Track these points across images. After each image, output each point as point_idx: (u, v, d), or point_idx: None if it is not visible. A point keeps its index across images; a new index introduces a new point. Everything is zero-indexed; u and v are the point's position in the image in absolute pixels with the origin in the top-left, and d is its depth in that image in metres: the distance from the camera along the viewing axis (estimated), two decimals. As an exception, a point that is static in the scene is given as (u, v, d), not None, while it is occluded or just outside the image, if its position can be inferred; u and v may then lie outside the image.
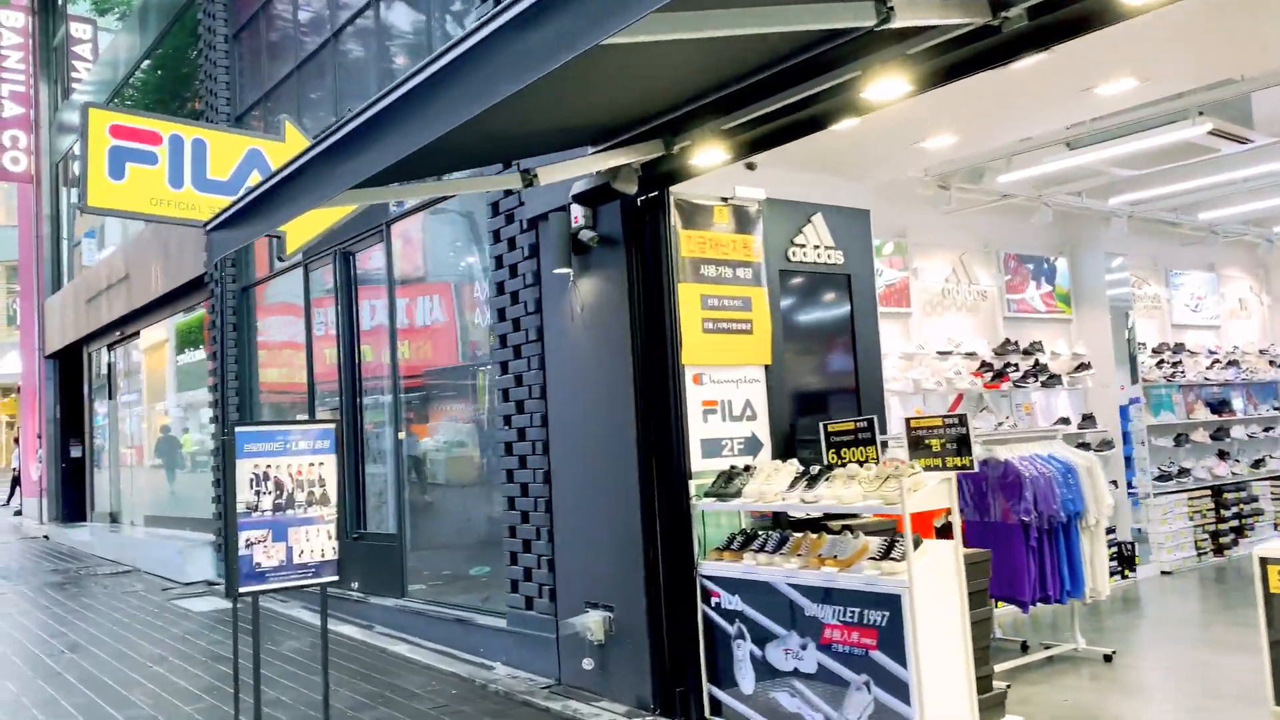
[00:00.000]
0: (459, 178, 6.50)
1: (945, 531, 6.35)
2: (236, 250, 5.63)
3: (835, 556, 4.86)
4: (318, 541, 5.26)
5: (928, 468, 5.47)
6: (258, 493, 5.09)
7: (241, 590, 5.04)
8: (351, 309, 9.43)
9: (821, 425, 6.21)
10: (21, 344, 22.55)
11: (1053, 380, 8.89)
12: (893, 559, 4.59)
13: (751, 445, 5.93)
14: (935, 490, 4.70)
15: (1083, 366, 9.24)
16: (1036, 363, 8.90)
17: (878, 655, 4.57)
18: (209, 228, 4.51)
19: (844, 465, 5.56)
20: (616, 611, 5.87)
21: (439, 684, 6.62)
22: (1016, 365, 8.73)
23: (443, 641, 7.55)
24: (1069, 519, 6.10)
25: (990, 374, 8.48)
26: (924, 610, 4.48)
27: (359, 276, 9.43)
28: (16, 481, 24.89)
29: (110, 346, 17.58)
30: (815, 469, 5.09)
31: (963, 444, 5.62)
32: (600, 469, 6.00)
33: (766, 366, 6.06)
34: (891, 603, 4.53)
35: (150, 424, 16.12)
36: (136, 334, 16.13)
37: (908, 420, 5.92)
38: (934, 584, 4.59)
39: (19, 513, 22.75)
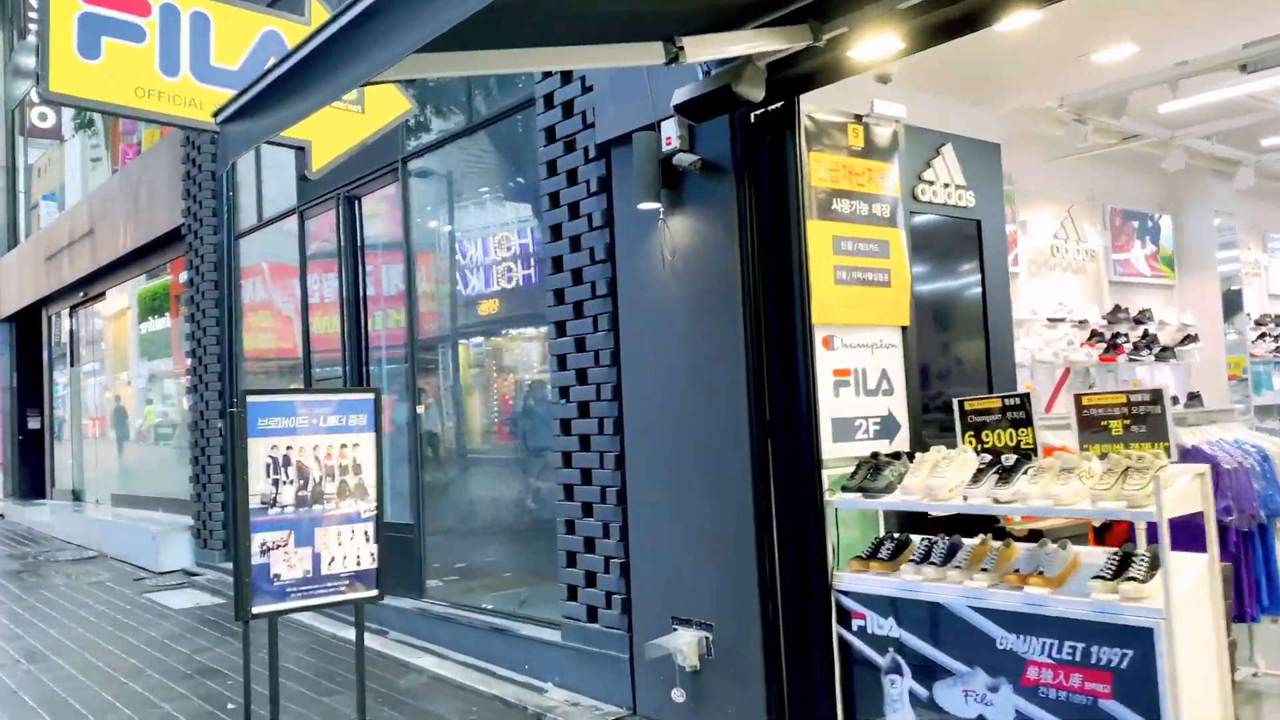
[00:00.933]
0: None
1: (1100, 538, 5.26)
2: (242, 154, 4.36)
3: (1040, 573, 3.72)
4: (352, 545, 4.06)
5: (1103, 456, 4.34)
6: (276, 482, 3.88)
7: (255, 611, 3.83)
8: (357, 262, 8.15)
9: (956, 402, 5.07)
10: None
11: (1165, 353, 7.81)
12: (1133, 579, 3.46)
13: (888, 426, 4.77)
14: (1187, 488, 3.56)
15: (1189, 339, 8.17)
16: (1146, 333, 7.81)
17: (1112, 705, 3.45)
18: (221, 117, 3.25)
19: (1006, 451, 4.42)
20: (717, 631, 4.71)
21: (481, 710, 5.44)
22: (1126, 335, 7.64)
23: (476, 654, 6.37)
24: (1268, 519, 5.01)
25: (1103, 345, 7.38)
26: (1182, 647, 3.36)
27: (366, 224, 8.15)
28: (-30, 454, 23.33)
29: (73, 309, 16.13)
30: (1009, 458, 3.93)
31: (1155, 426, 4.51)
32: (696, 453, 4.82)
33: (903, 328, 4.90)
34: (1135, 637, 3.40)
35: (115, 394, 14.74)
36: (102, 295, 14.70)
37: (1078, 397, 4.79)
38: (1191, 612, 3.46)
39: (-27, 488, 21.24)
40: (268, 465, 3.85)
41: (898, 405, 4.81)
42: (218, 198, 10.24)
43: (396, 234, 7.61)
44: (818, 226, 4.53)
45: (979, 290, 5.69)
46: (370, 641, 6.95)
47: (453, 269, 7.20)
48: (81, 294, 15.29)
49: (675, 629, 4.89)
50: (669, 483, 4.97)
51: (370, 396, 4.16)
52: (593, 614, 5.49)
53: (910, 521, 4.77)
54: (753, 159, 4.58)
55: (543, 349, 6.47)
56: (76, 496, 16.00)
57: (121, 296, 14.29)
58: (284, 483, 3.86)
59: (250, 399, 3.90)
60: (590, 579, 5.50)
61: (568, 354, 5.66)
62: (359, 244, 8.15)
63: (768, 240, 4.52)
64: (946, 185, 5.47)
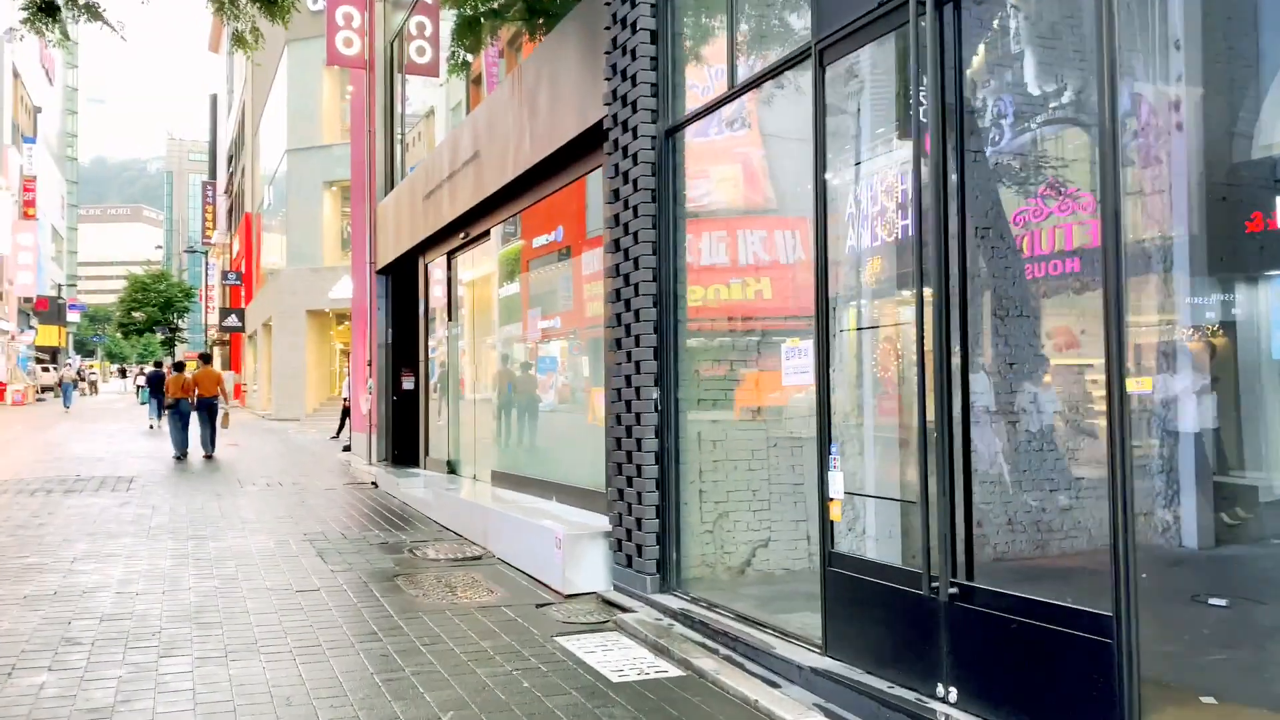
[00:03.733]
0: None
1: None
2: None
3: None
4: None
5: None
6: None
7: None
8: (946, 132, 4.58)
9: None
10: (352, 260, 19.99)
11: None
12: None
13: None
14: None
15: None
16: None
17: None
18: None
19: None
20: None
21: None
22: None
23: None
24: None
25: None
26: None
27: (969, 56, 4.58)
28: (346, 413, 22.77)
29: (451, 255, 14.06)
30: None
31: None
32: None
33: None
34: None
35: (493, 355, 12.38)
36: (485, 235, 12.36)
37: None
38: None
39: (348, 448, 20.41)
40: None
41: None
42: (658, 64, 7.10)
43: (1057, 69, 3.97)
44: None
45: None
46: None
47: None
48: (462, 235, 13.09)
49: None
50: None
51: None
52: None
53: None
54: None
55: None
56: (451, 469, 13.99)
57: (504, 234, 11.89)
58: None
59: None
60: None
61: None
62: (947, 96, 4.57)
63: None
64: None
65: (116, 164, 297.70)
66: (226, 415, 19.68)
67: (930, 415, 4.52)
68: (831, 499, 5.30)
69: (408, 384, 17.00)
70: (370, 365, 17.59)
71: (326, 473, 17.14)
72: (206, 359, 21.78)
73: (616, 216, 7.54)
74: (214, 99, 68.94)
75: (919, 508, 4.57)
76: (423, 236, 14.30)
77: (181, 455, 18.66)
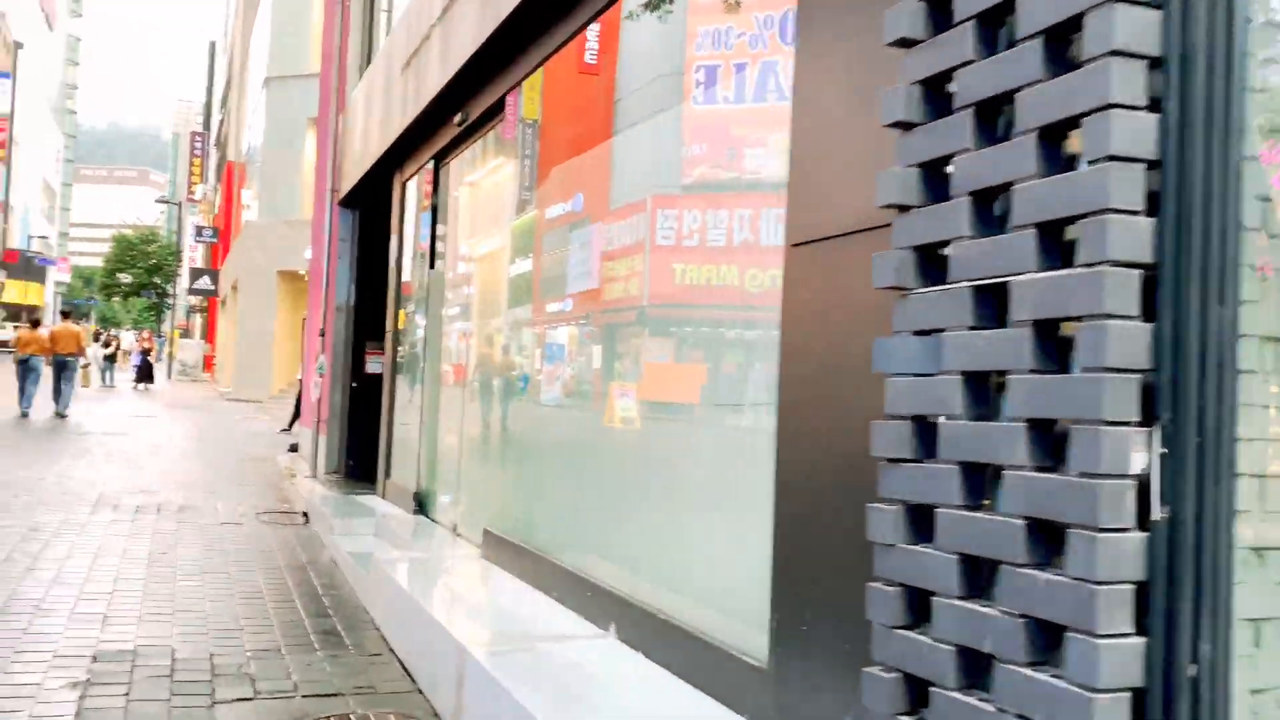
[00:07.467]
0: None
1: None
2: None
3: None
4: None
5: None
6: None
7: None
8: None
9: None
10: (316, 187, 14.71)
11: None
12: None
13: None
14: None
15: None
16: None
17: None
18: None
19: None
20: None
21: None
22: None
23: None
24: None
25: None
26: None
27: None
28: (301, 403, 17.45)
29: (440, 161, 8.69)
30: None
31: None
32: None
33: None
34: None
35: (499, 329, 7.03)
36: (498, 109, 6.99)
37: None
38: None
39: (294, 447, 15.11)
40: None
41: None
42: None
43: None
44: None
45: None
46: None
47: None
48: (458, 119, 7.72)
49: None
50: None
51: None
52: None
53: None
54: None
55: None
56: (421, 505, 8.64)
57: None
58: None
59: None
60: None
61: None
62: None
63: None
64: None
65: (130, 131, 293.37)
66: (86, 371, 21.77)
67: None
68: None
69: (374, 366, 11.70)
70: (324, 336, 12.27)
71: (249, 486, 11.81)
72: (66, 315, 21.79)
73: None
74: (212, 46, 63.69)
75: None
76: (399, 132, 8.95)
77: (25, 414, 18.15)
